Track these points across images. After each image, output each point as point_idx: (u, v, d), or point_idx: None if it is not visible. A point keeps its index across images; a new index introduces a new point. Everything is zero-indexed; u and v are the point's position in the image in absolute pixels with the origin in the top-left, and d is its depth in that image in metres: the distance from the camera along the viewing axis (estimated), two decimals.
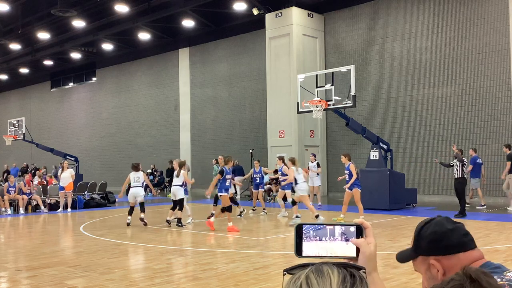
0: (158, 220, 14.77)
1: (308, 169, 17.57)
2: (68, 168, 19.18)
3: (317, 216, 13.21)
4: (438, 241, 1.73)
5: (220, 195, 12.59)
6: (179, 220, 13.34)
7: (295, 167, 13.61)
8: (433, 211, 16.21)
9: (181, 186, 13.41)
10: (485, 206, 16.61)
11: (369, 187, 16.59)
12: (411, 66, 20.48)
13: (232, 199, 13.86)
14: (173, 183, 13.68)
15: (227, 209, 12.40)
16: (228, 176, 12.63)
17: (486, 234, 11.09)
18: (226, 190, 12.57)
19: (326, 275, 1.04)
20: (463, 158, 14.49)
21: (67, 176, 18.61)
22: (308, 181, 17.95)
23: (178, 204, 13.42)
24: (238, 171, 24.12)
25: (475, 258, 1.71)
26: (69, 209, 18.56)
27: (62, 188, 18.59)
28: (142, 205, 13.87)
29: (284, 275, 1.10)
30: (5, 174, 29.39)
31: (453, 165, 14.82)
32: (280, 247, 10.60)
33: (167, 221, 13.69)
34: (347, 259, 1.26)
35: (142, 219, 13.63)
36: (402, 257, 1.86)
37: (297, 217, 13.27)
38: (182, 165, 13.72)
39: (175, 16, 25.63)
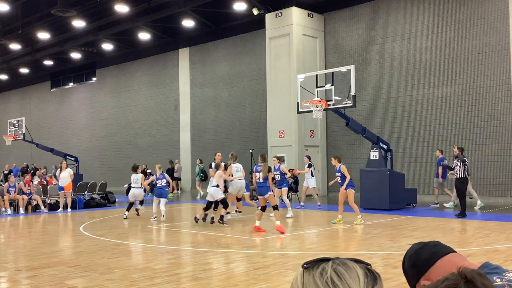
0: (158, 220, 14.76)
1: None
2: (67, 168, 19.17)
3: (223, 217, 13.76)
4: (415, 263, 1.76)
5: (270, 194, 12.48)
6: (221, 217, 13.44)
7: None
8: (433, 211, 16.22)
9: (217, 186, 13.68)
10: (437, 205, 17.59)
11: (369, 187, 16.60)
12: (411, 66, 20.49)
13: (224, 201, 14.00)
14: (210, 184, 14.00)
15: (276, 207, 12.36)
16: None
17: (486, 234, 11.09)
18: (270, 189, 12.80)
19: (352, 268, 1.04)
20: (464, 158, 14.47)
21: (65, 176, 18.59)
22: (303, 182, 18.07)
23: (222, 203, 13.58)
24: None
25: (454, 262, 1.71)
26: (69, 209, 18.55)
27: (62, 188, 18.58)
28: (141, 202, 16.37)
29: (304, 268, 1.07)
30: (11, 173, 29.49)
31: (454, 167, 14.75)
32: (280, 247, 10.61)
33: (195, 218, 13.99)
34: None
35: (137, 210, 16.05)
36: None
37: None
38: (217, 166, 14.15)
39: (175, 16, 25.63)
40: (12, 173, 29.39)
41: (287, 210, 15.17)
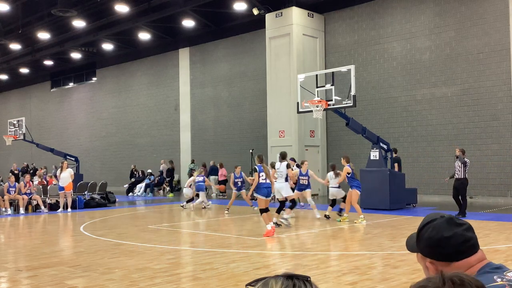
0: (158, 220, 14.76)
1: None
2: (67, 168, 19.17)
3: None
4: (433, 247, 1.71)
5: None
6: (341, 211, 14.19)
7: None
8: (433, 211, 16.18)
9: (338, 187, 14.26)
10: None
11: (369, 187, 16.59)
12: (411, 66, 20.48)
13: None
14: (331, 184, 14.37)
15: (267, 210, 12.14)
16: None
17: (486, 234, 11.09)
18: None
19: (269, 286, 1.21)
20: (465, 159, 14.44)
21: (66, 176, 18.59)
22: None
23: (343, 200, 14.18)
24: (214, 171, 24.93)
25: (471, 264, 1.69)
26: (69, 209, 18.55)
27: (62, 188, 18.57)
28: (191, 199, 18.55)
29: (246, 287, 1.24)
30: (19, 172, 29.50)
31: (455, 167, 14.69)
32: (280, 247, 10.61)
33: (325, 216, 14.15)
34: None
35: (182, 206, 18.68)
36: (409, 245, 1.86)
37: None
38: (333, 167, 14.49)
39: (175, 16, 25.62)
40: (20, 173, 29.49)
41: (314, 211, 14.86)
